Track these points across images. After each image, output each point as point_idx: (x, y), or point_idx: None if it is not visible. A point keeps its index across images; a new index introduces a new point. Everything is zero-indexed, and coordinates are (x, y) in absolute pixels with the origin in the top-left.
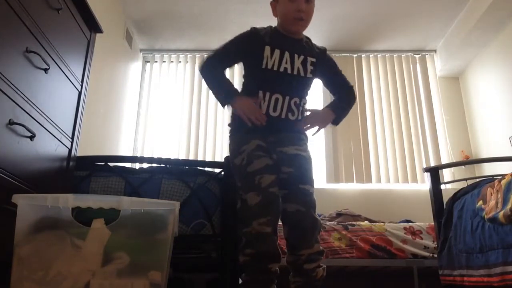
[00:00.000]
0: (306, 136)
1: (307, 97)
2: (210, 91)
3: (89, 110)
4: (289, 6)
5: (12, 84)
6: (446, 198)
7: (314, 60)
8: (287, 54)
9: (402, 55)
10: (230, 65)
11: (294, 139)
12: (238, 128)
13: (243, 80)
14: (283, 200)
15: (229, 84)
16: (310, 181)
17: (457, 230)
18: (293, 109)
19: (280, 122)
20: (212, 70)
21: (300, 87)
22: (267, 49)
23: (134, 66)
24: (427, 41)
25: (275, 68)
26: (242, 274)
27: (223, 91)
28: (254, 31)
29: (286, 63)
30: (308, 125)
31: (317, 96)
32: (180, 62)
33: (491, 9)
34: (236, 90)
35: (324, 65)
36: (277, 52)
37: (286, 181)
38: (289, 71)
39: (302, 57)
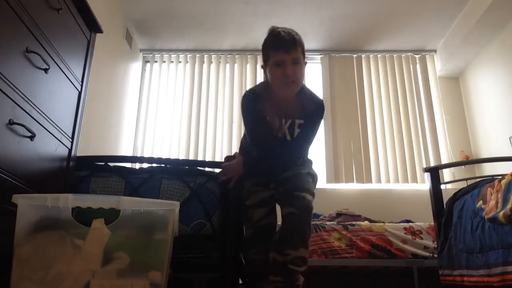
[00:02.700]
0: (308, 161)
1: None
2: (211, 91)
3: (89, 110)
4: (277, 72)
5: (12, 84)
6: (446, 198)
7: (301, 122)
8: (276, 120)
9: (402, 55)
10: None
11: (294, 165)
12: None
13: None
14: (281, 206)
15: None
16: (306, 190)
17: (457, 230)
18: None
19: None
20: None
21: (290, 146)
22: (268, 118)
23: (134, 66)
24: (427, 41)
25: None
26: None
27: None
28: (254, 98)
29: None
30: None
31: None
32: (180, 62)
33: (491, 9)
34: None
35: (312, 122)
36: (272, 117)
37: (283, 191)
38: (279, 134)
39: (289, 122)
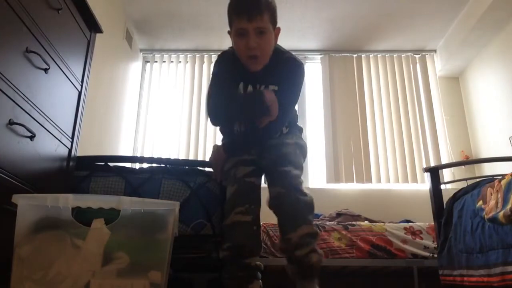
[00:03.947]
0: (298, 129)
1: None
2: None
3: (89, 110)
4: (240, 43)
5: (12, 84)
6: (446, 198)
7: (275, 88)
8: (249, 88)
9: (402, 55)
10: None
11: (278, 135)
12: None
13: None
14: (268, 186)
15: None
16: (291, 163)
17: (457, 230)
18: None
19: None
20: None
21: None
22: (241, 86)
23: (134, 66)
24: (427, 41)
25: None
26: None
27: None
28: (223, 62)
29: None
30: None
31: (317, 103)
32: (180, 62)
33: (491, 9)
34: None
35: (288, 84)
36: (246, 87)
37: (267, 166)
38: None
39: (263, 87)
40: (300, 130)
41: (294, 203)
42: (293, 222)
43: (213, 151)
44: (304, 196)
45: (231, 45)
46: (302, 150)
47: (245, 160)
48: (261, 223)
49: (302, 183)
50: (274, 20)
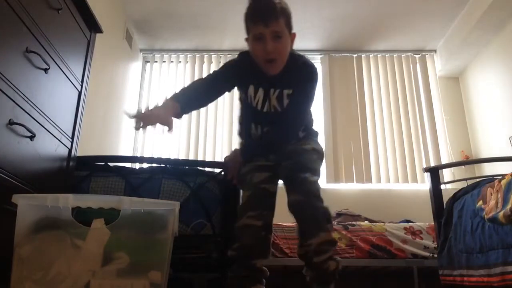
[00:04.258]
0: (314, 134)
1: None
2: None
3: (89, 110)
4: (257, 48)
5: (12, 84)
6: (446, 198)
7: (290, 92)
8: (261, 91)
9: (402, 55)
10: (217, 90)
11: (295, 139)
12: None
13: (239, 104)
14: (286, 191)
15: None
16: (310, 170)
17: (457, 230)
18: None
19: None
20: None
21: (283, 118)
22: (251, 89)
23: (134, 66)
24: (427, 41)
25: (259, 108)
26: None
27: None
28: (237, 63)
29: (264, 101)
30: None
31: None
32: (180, 62)
33: (491, 9)
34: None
35: (304, 88)
36: (261, 92)
37: (286, 173)
38: (265, 109)
39: (277, 92)
40: (316, 134)
41: (313, 211)
42: (312, 230)
43: (231, 153)
44: (322, 203)
45: (234, 48)
46: (319, 155)
47: (261, 166)
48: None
49: (320, 189)
50: (289, 25)
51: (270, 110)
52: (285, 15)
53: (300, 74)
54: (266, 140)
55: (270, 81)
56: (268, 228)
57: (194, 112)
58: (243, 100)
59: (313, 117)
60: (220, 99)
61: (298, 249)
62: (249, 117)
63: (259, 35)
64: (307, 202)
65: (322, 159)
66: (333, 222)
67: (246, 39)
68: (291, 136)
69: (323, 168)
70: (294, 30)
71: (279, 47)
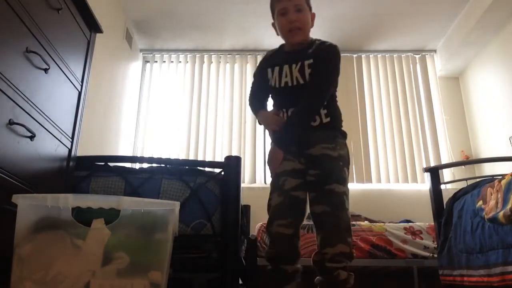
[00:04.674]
0: (341, 133)
1: None
2: (211, 91)
3: (89, 110)
4: (282, 21)
5: (12, 84)
6: (446, 198)
7: (311, 61)
8: (285, 68)
9: (402, 55)
10: (263, 93)
11: (322, 137)
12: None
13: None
14: (311, 202)
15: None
16: (337, 180)
17: (457, 230)
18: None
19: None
20: (252, 108)
21: (306, 90)
22: (269, 71)
23: (134, 66)
24: (427, 41)
25: (277, 85)
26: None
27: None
28: (262, 59)
29: (286, 76)
30: None
31: None
32: (180, 62)
33: (491, 9)
34: (262, 106)
35: (324, 61)
36: (276, 70)
37: (313, 183)
38: (289, 83)
39: (299, 64)
40: (344, 135)
41: (335, 222)
42: (331, 240)
43: (269, 152)
44: (346, 214)
45: (234, 48)
46: (345, 161)
47: (295, 171)
48: (261, 223)
49: (346, 198)
50: (309, 3)
51: (293, 84)
52: None
53: (319, 48)
54: (291, 122)
55: (291, 57)
56: (298, 233)
57: (194, 112)
58: (271, 87)
59: (339, 109)
60: (220, 99)
61: (313, 255)
62: (277, 104)
63: (283, 10)
64: (332, 213)
65: (349, 164)
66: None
67: (273, 24)
68: (315, 109)
69: None
70: None
71: (301, 17)
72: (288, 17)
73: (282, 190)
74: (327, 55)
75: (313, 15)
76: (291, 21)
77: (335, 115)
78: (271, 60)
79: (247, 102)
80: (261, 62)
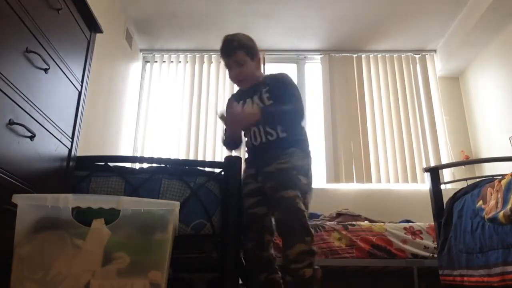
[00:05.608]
0: (300, 148)
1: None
2: (211, 91)
3: (89, 110)
4: (229, 73)
5: (12, 84)
6: (446, 198)
7: (267, 88)
8: (248, 101)
9: (402, 55)
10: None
11: (277, 156)
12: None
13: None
14: (272, 211)
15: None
16: (287, 187)
17: (457, 230)
18: (270, 131)
19: (263, 146)
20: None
21: (267, 114)
22: (240, 103)
23: (134, 66)
24: (427, 41)
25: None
26: None
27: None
28: (229, 100)
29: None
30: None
31: (317, 103)
32: (180, 62)
33: (491, 9)
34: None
35: (277, 84)
36: (241, 103)
37: (270, 194)
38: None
39: (258, 94)
40: (304, 149)
41: (291, 225)
42: (289, 242)
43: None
44: (300, 216)
45: None
46: (300, 169)
47: (252, 191)
48: None
49: (300, 200)
50: (251, 53)
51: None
52: (244, 47)
53: (271, 77)
54: (254, 143)
55: (250, 92)
56: (260, 246)
57: (194, 112)
58: None
59: (305, 132)
60: (220, 99)
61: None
62: (245, 133)
63: (227, 66)
64: (284, 218)
65: (306, 168)
66: (333, 222)
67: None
68: (271, 125)
69: (323, 168)
70: (291, 33)
71: (243, 71)
72: (232, 73)
73: (243, 210)
74: (281, 81)
75: (258, 60)
76: (234, 77)
77: (294, 132)
78: (236, 97)
79: None
80: (229, 100)
